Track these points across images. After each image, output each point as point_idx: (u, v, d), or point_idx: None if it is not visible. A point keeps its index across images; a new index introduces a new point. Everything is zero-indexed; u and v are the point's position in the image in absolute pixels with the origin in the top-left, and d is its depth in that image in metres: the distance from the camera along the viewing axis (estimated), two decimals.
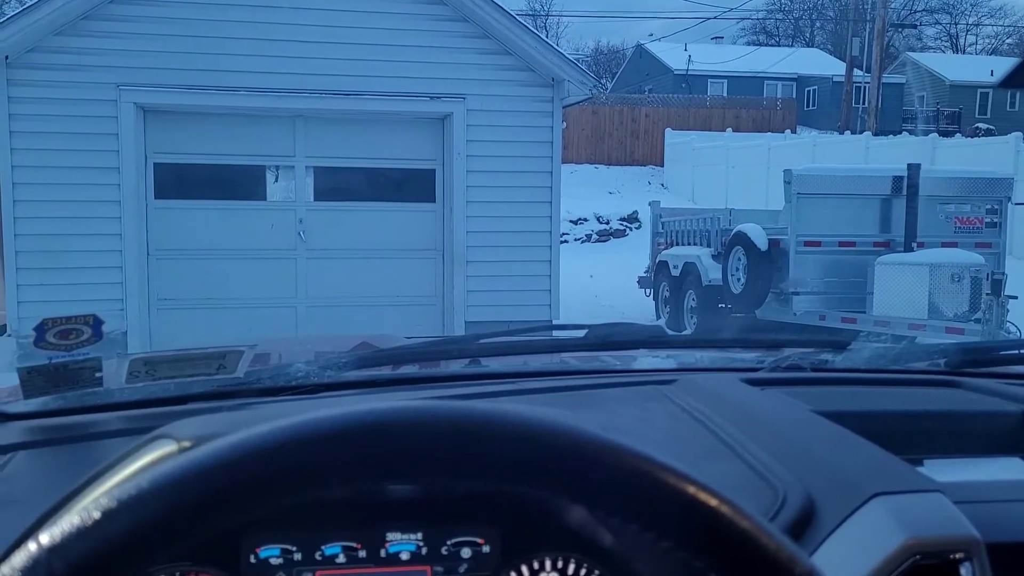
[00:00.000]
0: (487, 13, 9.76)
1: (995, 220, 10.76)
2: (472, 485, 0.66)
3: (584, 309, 12.61)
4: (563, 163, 10.84)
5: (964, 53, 52.56)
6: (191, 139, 9.65)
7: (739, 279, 11.10)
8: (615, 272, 16.27)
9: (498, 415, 0.65)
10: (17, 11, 8.93)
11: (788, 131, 30.83)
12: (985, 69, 37.79)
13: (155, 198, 9.62)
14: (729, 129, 29.24)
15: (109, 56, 9.10)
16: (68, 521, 0.58)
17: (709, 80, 40.32)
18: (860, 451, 1.08)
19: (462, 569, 1.00)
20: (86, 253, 9.13)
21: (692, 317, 12.45)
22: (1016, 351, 1.84)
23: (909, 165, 10.41)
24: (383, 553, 0.99)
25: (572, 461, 0.64)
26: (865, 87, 32.02)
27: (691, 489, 0.64)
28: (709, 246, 12.40)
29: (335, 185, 10.13)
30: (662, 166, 28.31)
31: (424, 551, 1.00)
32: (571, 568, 1.03)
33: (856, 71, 32.75)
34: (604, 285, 15.77)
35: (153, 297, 9.65)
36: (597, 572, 1.02)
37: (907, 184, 10.25)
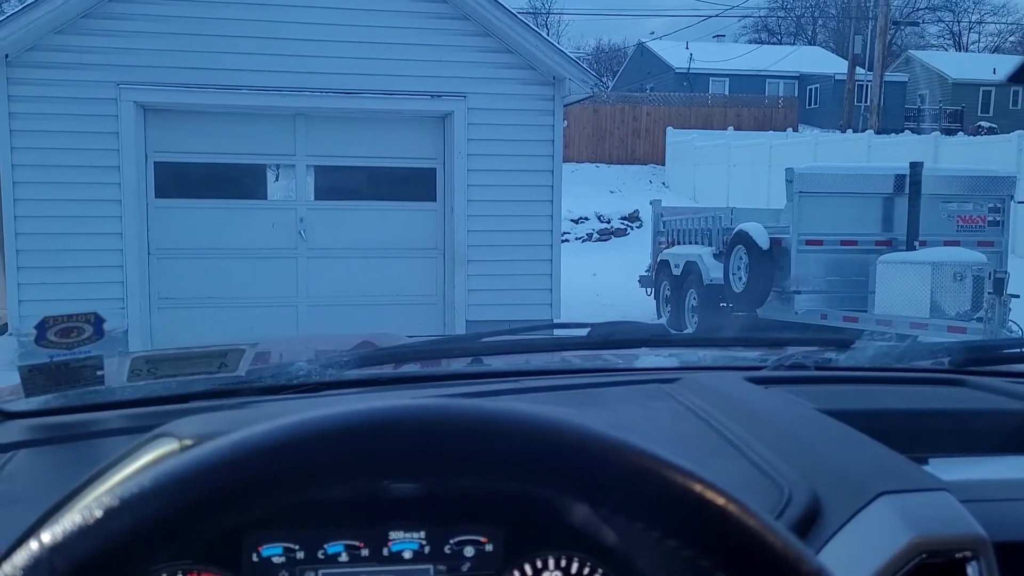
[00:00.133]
0: (488, 11, 9.75)
1: (997, 218, 10.76)
2: (476, 484, 0.65)
3: (585, 308, 12.61)
4: (564, 162, 10.84)
5: (966, 51, 52.52)
6: (191, 138, 9.65)
7: (740, 278, 11.10)
8: (616, 271, 16.27)
9: (502, 413, 0.64)
10: (17, 9, 8.92)
11: (790, 129, 30.83)
12: (988, 67, 37.81)
13: (156, 197, 9.62)
14: (731, 128, 29.24)
15: (109, 55, 9.09)
16: (70, 519, 0.57)
17: (711, 78, 40.31)
18: (865, 449, 1.08)
19: (465, 568, 1.00)
20: (87, 252, 9.13)
21: (693, 316, 12.45)
22: (1020, 349, 1.84)
23: (911, 163, 10.41)
24: (386, 552, 0.99)
25: (577, 459, 0.63)
26: (867, 85, 32.02)
27: (697, 487, 0.64)
28: (710, 245, 12.40)
29: (336, 184, 10.13)
30: (663, 165, 28.31)
31: (427, 550, 1.00)
32: (574, 567, 1.02)
33: (858, 69, 32.71)
34: (605, 284, 15.78)
35: (154, 296, 9.65)
36: (600, 571, 1.02)
37: (909, 183, 10.25)
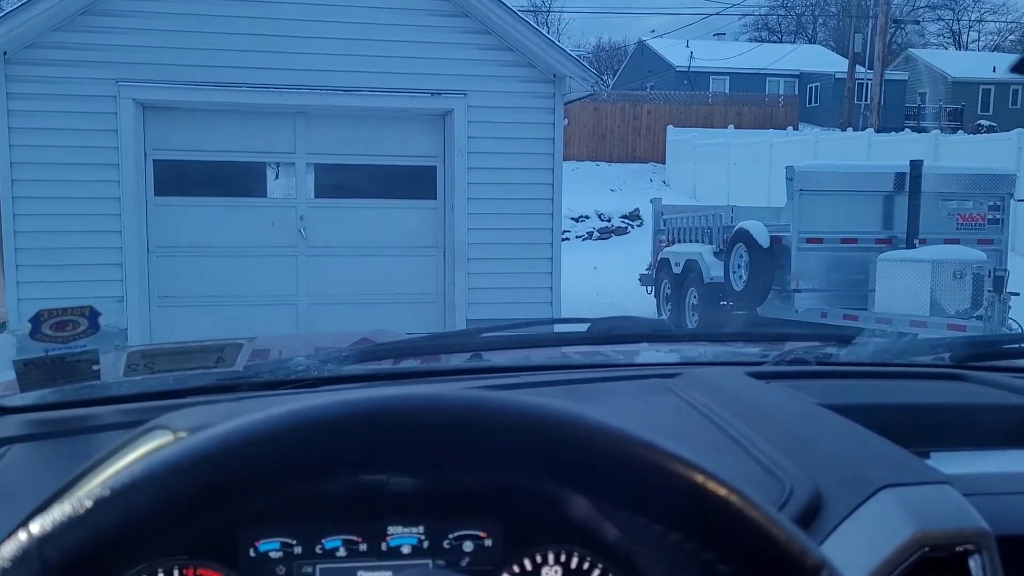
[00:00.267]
0: (488, 8, 9.75)
1: (997, 216, 10.78)
2: (475, 476, 0.64)
3: (586, 306, 12.63)
4: (565, 160, 10.84)
5: (966, 49, 52.54)
6: (191, 135, 9.64)
7: (741, 276, 11.11)
8: (617, 269, 16.28)
9: (501, 403, 0.63)
10: (15, 6, 8.91)
11: (790, 128, 30.83)
12: (987, 65, 37.86)
13: (155, 195, 9.62)
14: (731, 126, 29.26)
15: (108, 52, 9.08)
16: (60, 510, 0.57)
17: (711, 77, 40.35)
18: (867, 443, 1.07)
19: (464, 563, 1.00)
20: (86, 250, 9.13)
21: (694, 314, 12.46)
22: (1020, 345, 1.84)
23: (911, 162, 10.42)
24: (384, 546, 0.98)
25: (579, 450, 0.63)
26: (867, 84, 32.04)
27: (700, 478, 0.63)
28: (711, 243, 12.41)
29: (336, 182, 10.12)
30: (664, 163, 28.31)
31: (426, 544, 0.99)
32: (574, 562, 1.02)
33: (859, 68, 32.73)
34: (606, 282, 15.78)
35: (153, 294, 9.65)
36: (601, 566, 1.01)
37: (909, 181, 10.26)
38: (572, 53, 10.96)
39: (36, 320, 1.25)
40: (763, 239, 10.71)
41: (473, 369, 1.68)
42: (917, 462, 1.02)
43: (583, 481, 0.64)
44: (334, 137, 9.99)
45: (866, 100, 31.96)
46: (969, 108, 37.57)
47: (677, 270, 12.92)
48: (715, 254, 12.07)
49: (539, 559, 1.02)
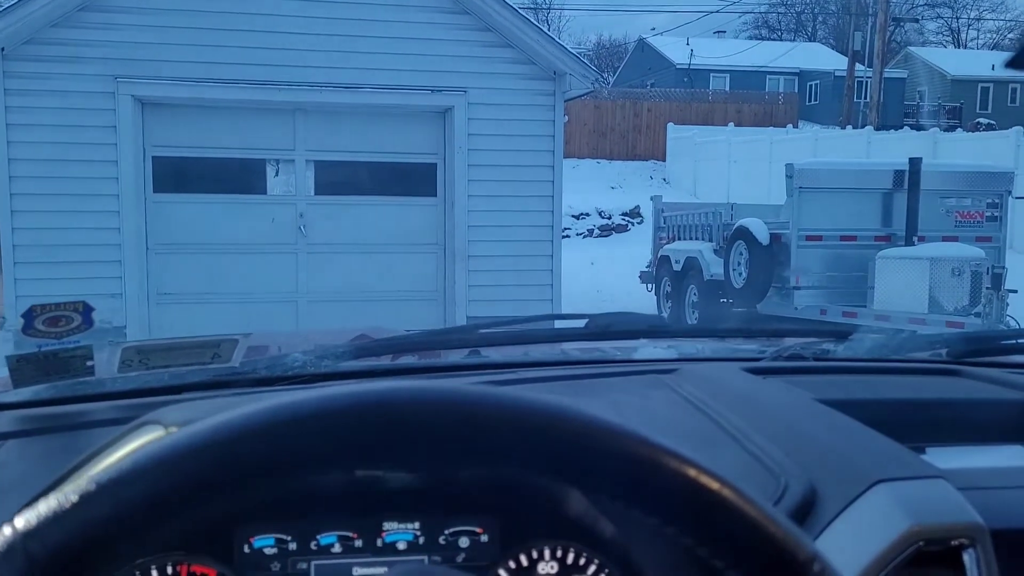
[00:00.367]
0: (488, 5, 9.74)
1: (995, 214, 10.78)
2: (468, 470, 0.64)
3: (586, 303, 12.63)
4: (565, 157, 10.83)
5: (966, 48, 52.50)
6: (190, 132, 9.62)
7: (741, 273, 11.11)
8: (617, 267, 16.27)
9: (494, 397, 0.63)
10: (13, 2, 8.89)
11: (790, 126, 30.82)
12: (986, 64, 37.85)
13: (154, 192, 9.60)
14: (731, 123, 29.25)
15: (106, 48, 9.07)
16: (45, 505, 0.56)
17: (711, 74, 40.35)
18: (862, 438, 1.07)
19: (460, 558, 1.00)
20: (84, 247, 9.11)
21: (694, 312, 12.47)
22: (1017, 340, 1.83)
23: (910, 159, 10.41)
24: (379, 543, 0.98)
25: (572, 444, 0.62)
26: (867, 82, 32.01)
27: (693, 473, 0.63)
28: (711, 241, 12.42)
29: (336, 179, 10.11)
30: (664, 161, 28.31)
31: (421, 540, 0.99)
32: (570, 557, 1.02)
33: (858, 66, 32.71)
34: (606, 280, 15.78)
35: (152, 291, 9.64)
36: (597, 561, 1.01)
37: (908, 178, 10.26)
38: (572, 50, 10.95)
39: (29, 315, 1.24)
40: (763, 236, 10.71)
41: (471, 365, 1.68)
42: (912, 457, 1.02)
43: (576, 475, 0.63)
44: (334, 134, 9.98)
45: (865, 98, 31.94)
46: (968, 106, 37.57)
47: (677, 267, 12.93)
48: (715, 251, 12.07)
49: (535, 555, 1.02)
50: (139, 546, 0.58)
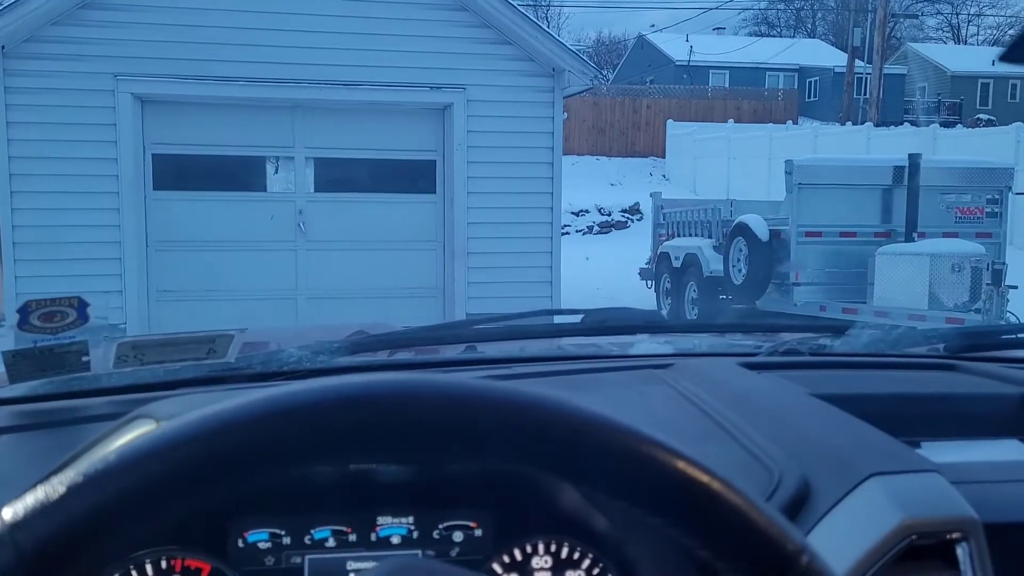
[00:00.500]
0: (487, 2, 9.73)
1: (996, 210, 10.78)
2: (459, 462, 0.64)
3: (585, 300, 12.59)
4: (564, 154, 10.83)
5: (965, 44, 52.44)
6: (190, 130, 9.62)
7: (740, 270, 11.11)
8: (617, 264, 16.27)
9: (484, 389, 0.63)
10: (13, 0, 8.89)
11: (789, 122, 30.82)
12: (986, 60, 37.77)
13: (154, 189, 9.61)
14: (730, 120, 29.24)
15: (106, 46, 9.06)
16: (33, 497, 0.56)
17: (711, 71, 40.32)
18: (856, 432, 1.07)
19: (454, 553, 1.00)
20: (84, 244, 9.11)
21: (693, 308, 12.47)
22: (1014, 335, 1.83)
23: (910, 155, 10.41)
24: (374, 537, 0.99)
25: (559, 434, 0.62)
26: (866, 78, 32.02)
27: (680, 464, 0.63)
28: (710, 237, 12.42)
29: (335, 176, 10.12)
30: (664, 157, 28.30)
31: (415, 535, 0.99)
32: (564, 552, 1.02)
33: (857, 62, 32.70)
34: (606, 277, 15.77)
35: (152, 289, 9.64)
36: (591, 555, 1.01)
37: (908, 174, 10.26)
38: (571, 47, 10.94)
39: (24, 311, 1.24)
40: (762, 233, 10.71)
41: (467, 360, 1.68)
42: (906, 451, 1.02)
43: (565, 467, 0.63)
44: (333, 131, 9.98)
45: (865, 94, 31.95)
46: (968, 102, 37.54)
47: (677, 264, 12.93)
48: (715, 248, 12.08)
49: (529, 549, 1.02)
50: (128, 538, 0.58)
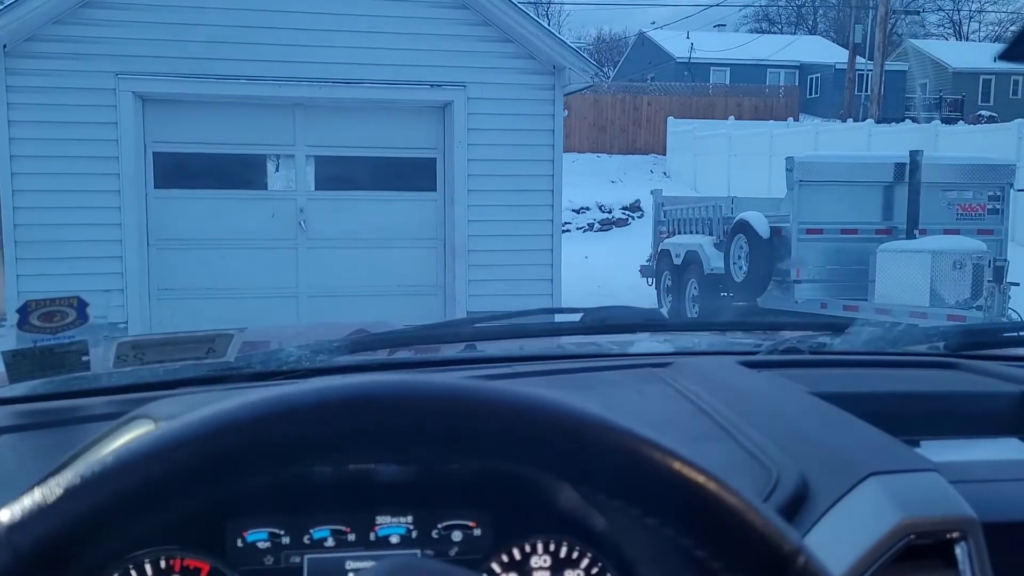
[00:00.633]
0: (488, 0, 9.73)
1: (997, 207, 10.77)
2: (457, 462, 0.64)
3: (586, 297, 12.61)
4: (565, 152, 10.83)
5: (967, 40, 52.40)
6: (191, 128, 9.63)
7: (741, 267, 11.12)
8: (617, 261, 16.27)
9: (480, 390, 0.63)
10: None
11: (790, 119, 30.81)
12: (988, 56, 37.71)
13: (155, 187, 9.61)
14: (731, 117, 29.20)
15: (107, 44, 9.07)
16: (30, 498, 0.56)
17: (711, 68, 40.28)
18: (855, 431, 1.07)
19: (453, 552, 1.00)
20: (86, 243, 9.12)
21: (694, 305, 12.47)
22: (1015, 333, 1.83)
23: (911, 152, 10.41)
24: (372, 537, 0.99)
25: (556, 436, 0.62)
26: (868, 75, 31.98)
27: (676, 464, 0.63)
28: (711, 234, 12.43)
29: (336, 174, 10.12)
30: (664, 155, 28.27)
31: (414, 534, 1.00)
32: (563, 551, 1.02)
33: (859, 59, 32.67)
34: (606, 274, 15.78)
35: (153, 287, 9.65)
36: (589, 555, 1.01)
37: (909, 171, 10.25)
38: (572, 45, 10.94)
39: (23, 311, 1.24)
40: (763, 230, 10.72)
41: (466, 359, 1.68)
42: (905, 450, 1.01)
43: (561, 467, 0.63)
44: (334, 129, 9.98)
45: (866, 91, 31.92)
46: (969, 99, 37.47)
47: (678, 261, 12.94)
48: (715, 245, 12.08)
49: (528, 548, 1.02)
50: (127, 539, 0.58)
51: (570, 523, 1.00)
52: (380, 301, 9.80)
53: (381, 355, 1.69)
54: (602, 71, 16.57)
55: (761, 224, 10.76)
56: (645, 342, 1.93)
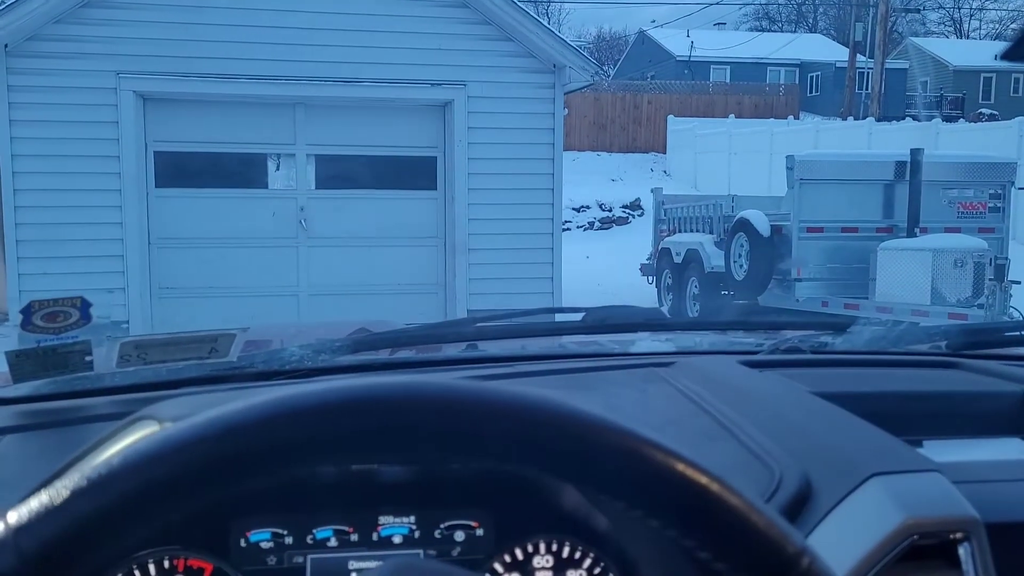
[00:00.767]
0: None
1: (998, 205, 10.75)
2: (460, 463, 0.64)
3: (586, 296, 12.60)
4: (565, 150, 10.84)
5: (967, 38, 52.36)
6: (192, 127, 9.64)
7: (742, 265, 11.10)
8: (618, 260, 16.26)
9: (483, 391, 0.63)
10: None
11: (791, 117, 30.80)
12: (989, 54, 37.67)
13: (156, 186, 9.62)
14: (732, 115, 29.18)
15: (108, 44, 9.08)
16: (36, 500, 0.56)
17: (712, 66, 40.27)
18: (858, 431, 1.07)
19: (455, 552, 1.00)
20: (87, 242, 9.13)
21: (695, 304, 12.46)
22: (1016, 332, 1.83)
23: (912, 150, 10.40)
24: (375, 537, 0.99)
25: (558, 437, 0.62)
26: (868, 73, 31.94)
27: (679, 466, 0.63)
28: (712, 233, 12.42)
29: (336, 173, 10.13)
30: (665, 153, 28.26)
31: (417, 534, 1.00)
32: (565, 551, 1.02)
33: (859, 57, 32.63)
34: (606, 273, 15.77)
35: (154, 286, 9.66)
36: (592, 555, 1.01)
37: (910, 169, 10.25)
38: (572, 43, 10.94)
39: (27, 311, 1.24)
40: (764, 228, 10.70)
41: (468, 359, 1.68)
42: (907, 450, 1.01)
43: (564, 468, 0.64)
44: (334, 128, 9.98)
45: (867, 89, 31.87)
46: (970, 97, 37.45)
47: (678, 260, 12.93)
48: (716, 243, 12.07)
49: (530, 548, 1.02)
50: (131, 540, 0.58)
51: (572, 523, 1.00)
52: (381, 300, 9.81)
53: (383, 355, 1.69)
54: (602, 70, 16.57)
55: (762, 222, 10.75)
56: (647, 342, 1.93)
